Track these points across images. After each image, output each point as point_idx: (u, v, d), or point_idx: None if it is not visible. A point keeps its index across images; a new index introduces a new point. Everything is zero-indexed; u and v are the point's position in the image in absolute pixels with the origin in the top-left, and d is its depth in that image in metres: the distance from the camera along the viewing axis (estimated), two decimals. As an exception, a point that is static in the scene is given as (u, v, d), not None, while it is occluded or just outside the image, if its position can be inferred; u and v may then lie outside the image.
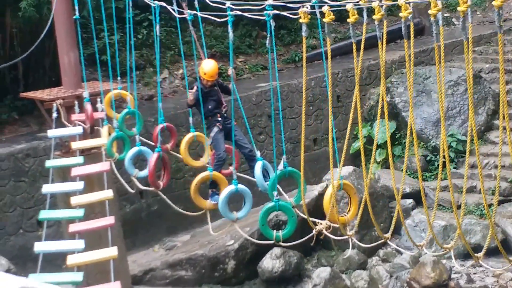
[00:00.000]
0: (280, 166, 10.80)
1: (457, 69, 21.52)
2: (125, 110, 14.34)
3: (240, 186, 10.89)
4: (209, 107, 12.05)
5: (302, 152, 10.15)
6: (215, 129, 12.10)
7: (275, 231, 10.69)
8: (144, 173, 13.40)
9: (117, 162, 14.01)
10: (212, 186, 11.89)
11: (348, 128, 9.40)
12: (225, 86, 12.47)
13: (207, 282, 16.35)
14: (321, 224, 10.58)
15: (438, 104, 20.58)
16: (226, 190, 10.88)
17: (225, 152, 12.26)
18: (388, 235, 10.33)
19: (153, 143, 13.54)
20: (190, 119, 12.67)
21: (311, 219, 10.49)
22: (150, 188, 13.32)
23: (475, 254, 9.43)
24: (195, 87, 11.94)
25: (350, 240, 10.40)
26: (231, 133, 11.68)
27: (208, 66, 12.02)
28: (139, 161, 14.24)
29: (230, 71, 11.30)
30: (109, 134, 13.89)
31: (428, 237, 9.94)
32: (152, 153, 12.82)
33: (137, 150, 13.40)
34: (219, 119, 12.17)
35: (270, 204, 10.54)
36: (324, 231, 10.53)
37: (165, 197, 12.65)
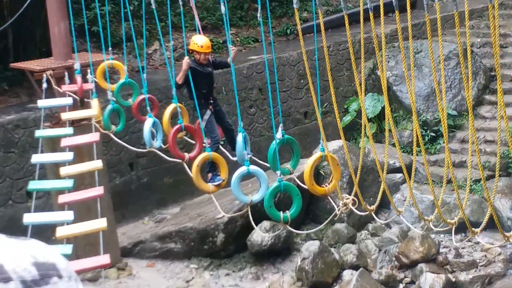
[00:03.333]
0: (278, 135, 10.78)
1: (448, 43, 21.47)
2: (122, 81, 14.30)
3: (252, 167, 10.77)
4: (203, 91, 11.87)
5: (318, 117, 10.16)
6: (209, 112, 11.99)
7: (281, 212, 10.59)
8: (159, 142, 13.17)
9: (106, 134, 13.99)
10: (211, 169, 11.79)
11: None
12: (219, 61, 12.34)
13: (196, 254, 16.37)
14: (347, 198, 10.58)
15: (429, 79, 20.64)
16: (238, 171, 10.72)
17: (219, 134, 12.26)
18: (373, 207, 10.39)
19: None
20: (174, 90, 12.50)
21: (342, 195, 10.52)
22: (178, 160, 12.99)
23: (473, 229, 9.50)
24: (186, 58, 11.77)
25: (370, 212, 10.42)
26: (219, 114, 11.74)
27: (201, 39, 11.89)
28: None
29: (232, 48, 11.26)
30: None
31: (407, 204, 9.97)
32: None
33: (152, 121, 13.14)
34: (211, 101, 12.06)
35: (275, 184, 10.47)
36: (351, 206, 10.51)
37: (188, 169, 12.34)
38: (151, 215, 18.27)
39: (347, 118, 20.70)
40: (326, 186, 10.73)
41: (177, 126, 12.47)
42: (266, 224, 15.77)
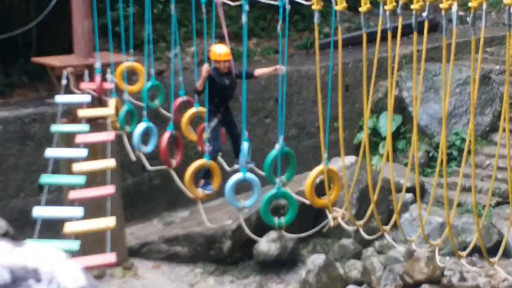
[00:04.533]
0: (277, 146, 10.92)
1: (467, 68, 21.49)
2: (149, 83, 14.46)
3: (249, 174, 10.96)
4: (215, 100, 11.83)
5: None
6: (215, 120, 11.95)
7: (276, 217, 10.79)
8: (150, 148, 13.53)
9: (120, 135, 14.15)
10: (205, 176, 11.91)
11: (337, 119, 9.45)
12: (247, 73, 11.94)
13: (202, 259, 16.46)
14: (337, 212, 10.71)
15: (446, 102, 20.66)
16: (234, 177, 10.92)
17: (221, 144, 12.30)
18: (387, 228, 10.45)
19: (169, 115, 13.68)
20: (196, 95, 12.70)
21: (332, 208, 10.63)
22: (162, 167, 13.43)
23: (459, 253, 9.54)
24: (207, 65, 11.69)
25: (359, 229, 10.51)
26: (230, 123, 11.81)
27: (220, 48, 11.78)
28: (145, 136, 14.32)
29: (277, 69, 11.26)
30: (116, 106, 14.00)
31: (419, 233, 10.05)
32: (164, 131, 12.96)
33: (145, 126, 13.51)
34: (222, 110, 12.00)
35: (272, 191, 10.65)
36: (340, 220, 10.64)
37: (176, 177, 12.67)
38: (160, 217, 18.35)
39: (362, 135, 20.75)
40: (324, 199, 10.85)
41: (168, 133, 12.70)
42: (273, 234, 15.84)
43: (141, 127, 13.53)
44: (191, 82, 13.89)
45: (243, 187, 12.18)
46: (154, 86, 14.59)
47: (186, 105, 14.08)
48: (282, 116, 11.05)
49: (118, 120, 13.89)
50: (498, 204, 18.44)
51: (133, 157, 14.10)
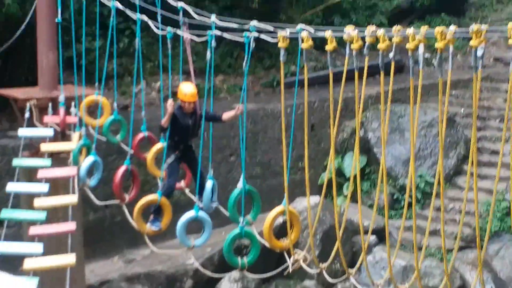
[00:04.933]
0: (239, 185, 10.83)
1: (432, 110, 21.60)
2: (112, 117, 14.34)
3: (201, 213, 10.88)
4: (175, 137, 11.70)
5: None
6: (173, 156, 11.80)
7: (239, 257, 10.67)
8: (94, 182, 13.38)
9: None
10: (156, 212, 11.78)
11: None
12: (212, 115, 11.85)
13: (163, 299, 16.26)
14: (298, 254, 10.58)
15: (410, 144, 20.70)
16: (187, 215, 10.85)
17: (176, 182, 12.14)
18: (353, 271, 10.33)
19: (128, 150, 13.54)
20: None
21: (293, 250, 10.51)
22: (115, 201, 13.28)
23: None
24: (171, 101, 11.52)
25: (323, 271, 10.39)
26: (191, 161, 11.69)
27: (187, 87, 11.57)
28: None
29: (239, 109, 11.16)
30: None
31: (386, 276, 9.95)
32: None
33: (93, 159, 13.36)
34: (181, 148, 11.85)
35: (236, 231, 10.54)
36: (301, 262, 10.51)
37: (126, 211, 12.53)
38: (121, 254, 18.12)
39: (325, 175, 20.71)
40: (284, 240, 10.74)
41: (123, 167, 12.57)
42: (235, 274, 15.69)
43: (88, 160, 13.39)
44: (157, 117, 13.77)
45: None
46: (116, 120, 14.45)
47: (148, 141, 13.97)
48: (243, 153, 10.99)
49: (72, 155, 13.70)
50: (460, 248, 18.44)
51: (95, 200, 13.86)
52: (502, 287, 17.71)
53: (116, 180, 12.81)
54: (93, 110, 15.03)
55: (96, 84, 14.54)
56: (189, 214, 10.87)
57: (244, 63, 10.18)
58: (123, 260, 17.91)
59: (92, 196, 13.61)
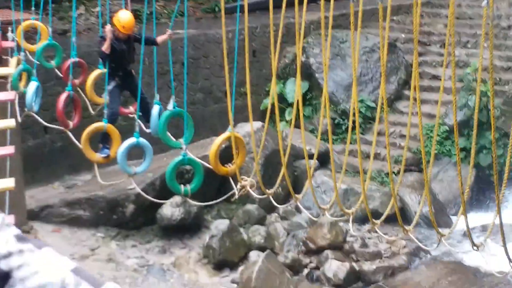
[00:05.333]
0: (170, 107, 10.80)
1: (373, 36, 21.66)
2: (45, 42, 14.08)
3: (142, 139, 10.84)
4: (112, 64, 11.64)
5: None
6: (113, 83, 11.78)
7: (182, 185, 10.68)
8: (37, 106, 13.16)
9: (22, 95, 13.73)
10: (104, 141, 11.72)
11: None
12: (147, 38, 11.85)
13: (104, 224, 16.23)
14: (246, 180, 10.62)
15: (352, 69, 20.78)
16: (127, 142, 10.81)
17: (119, 107, 12.07)
18: (300, 196, 10.44)
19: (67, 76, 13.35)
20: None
21: (240, 177, 10.53)
22: (59, 127, 13.12)
23: (374, 220, 9.60)
24: (109, 27, 11.42)
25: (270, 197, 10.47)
26: (131, 86, 11.63)
27: (125, 18, 11.46)
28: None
29: (169, 33, 11.08)
30: (18, 65, 13.61)
31: (332, 201, 10.07)
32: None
33: (36, 85, 13.12)
34: (120, 74, 11.82)
35: (179, 158, 10.52)
36: (248, 188, 10.56)
37: (73, 138, 12.37)
38: (61, 180, 18.01)
39: (268, 101, 20.74)
40: (229, 166, 10.76)
41: (65, 94, 12.41)
42: (177, 198, 15.69)
43: (33, 85, 13.10)
44: (96, 43, 13.58)
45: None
46: (51, 45, 14.19)
47: (77, 67, 13.76)
48: (171, 75, 10.99)
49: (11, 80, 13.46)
50: (398, 171, 18.70)
51: (19, 118, 13.62)
52: (441, 208, 18.04)
53: (59, 106, 12.58)
54: (31, 35, 14.76)
55: (33, 8, 14.27)
56: (129, 141, 10.82)
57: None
58: (64, 185, 17.82)
59: (40, 119, 13.40)
